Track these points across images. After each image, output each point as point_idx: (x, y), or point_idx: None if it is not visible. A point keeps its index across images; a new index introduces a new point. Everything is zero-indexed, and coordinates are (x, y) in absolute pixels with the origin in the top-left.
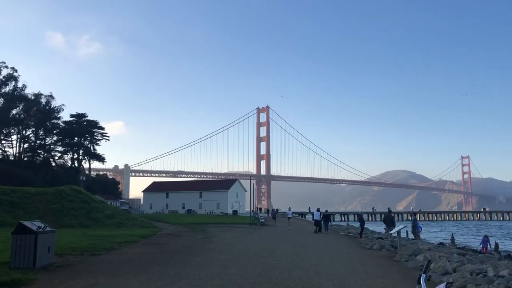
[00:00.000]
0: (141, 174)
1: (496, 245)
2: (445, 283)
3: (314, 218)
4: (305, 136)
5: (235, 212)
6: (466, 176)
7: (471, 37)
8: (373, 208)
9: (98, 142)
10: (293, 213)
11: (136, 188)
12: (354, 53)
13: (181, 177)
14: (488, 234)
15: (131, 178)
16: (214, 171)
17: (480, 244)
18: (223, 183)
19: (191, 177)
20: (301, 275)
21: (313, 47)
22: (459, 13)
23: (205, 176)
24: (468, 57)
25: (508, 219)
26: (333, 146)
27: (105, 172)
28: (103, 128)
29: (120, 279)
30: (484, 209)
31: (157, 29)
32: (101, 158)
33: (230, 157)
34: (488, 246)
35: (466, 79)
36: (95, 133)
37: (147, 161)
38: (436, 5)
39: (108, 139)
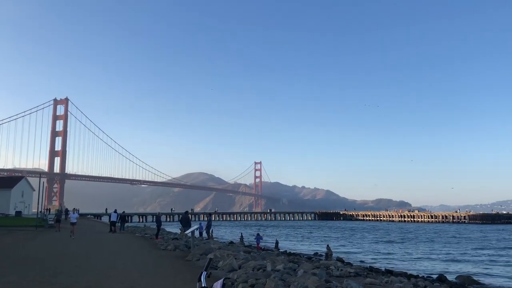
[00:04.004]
0: None
1: (276, 242)
2: (222, 278)
3: (111, 219)
4: (107, 134)
5: (18, 213)
6: (257, 180)
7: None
8: (172, 209)
9: None
10: (83, 215)
11: None
12: (164, 51)
13: None
14: (260, 233)
15: None
16: None
17: (255, 239)
18: (5, 180)
19: None
20: (90, 279)
21: (118, 43)
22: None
23: None
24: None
25: (289, 219)
26: (137, 146)
27: None
28: None
29: None
30: (270, 210)
31: None
32: None
33: (18, 151)
34: (261, 242)
35: (262, 94)
36: None
37: None
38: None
39: None
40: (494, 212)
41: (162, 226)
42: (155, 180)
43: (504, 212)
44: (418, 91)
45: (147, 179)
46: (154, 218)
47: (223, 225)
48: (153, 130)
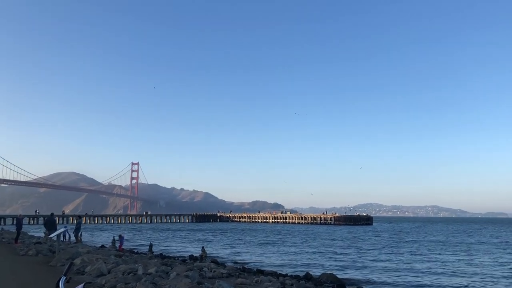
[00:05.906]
0: None
1: (150, 245)
2: (83, 283)
3: None
4: None
5: None
6: (134, 181)
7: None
8: (36, 211)
9: None
10: None
11: None
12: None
13: None
14: (122, 234)
15: None
16: None
17: (117, 240)
18: None
19: None
20: None
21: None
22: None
23: None
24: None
25: (166, 221)
26: None
27: None
28: None
29: None
30: (146, 212)
31: None
32: None
33: None
34: (123, 244)
35: (140, 92)
36: None
37: None
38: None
39: None
40: (356, 214)
41: (23, 230)
42: (18, 179)
43: (364, 214)
44: (283, 96)
45: (7, 178)
46: (14, 220)
47: (96, 228)
48: (17, 125)
